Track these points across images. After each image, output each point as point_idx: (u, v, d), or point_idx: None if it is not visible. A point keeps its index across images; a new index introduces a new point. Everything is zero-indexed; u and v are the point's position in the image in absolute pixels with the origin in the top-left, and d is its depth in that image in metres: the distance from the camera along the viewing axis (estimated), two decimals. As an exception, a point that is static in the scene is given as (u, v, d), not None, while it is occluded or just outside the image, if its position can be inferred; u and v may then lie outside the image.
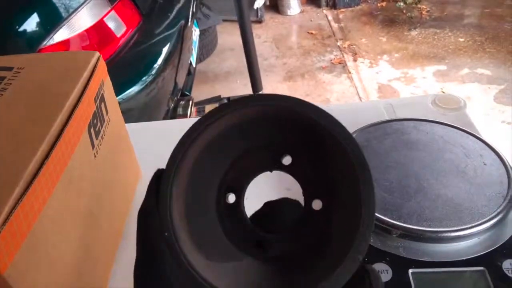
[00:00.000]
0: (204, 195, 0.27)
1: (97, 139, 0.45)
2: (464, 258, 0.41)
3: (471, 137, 0.51)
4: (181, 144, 0.25)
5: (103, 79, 0.47)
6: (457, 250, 0.42)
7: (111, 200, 0.48)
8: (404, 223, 0.43)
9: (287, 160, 0.27)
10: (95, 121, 0.44)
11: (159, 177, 0.25)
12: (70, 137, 0.38)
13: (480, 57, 2.54)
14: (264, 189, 0.33)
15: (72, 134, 0.39)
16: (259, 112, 0.25)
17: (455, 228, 0.41)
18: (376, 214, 0.44)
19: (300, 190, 0.28)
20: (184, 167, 0.25)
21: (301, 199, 0.28)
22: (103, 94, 0.47)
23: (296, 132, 0.26)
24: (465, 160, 0.48)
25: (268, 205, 0.30)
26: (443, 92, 2.28)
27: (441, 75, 2.44)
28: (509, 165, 0.47)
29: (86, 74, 0.44)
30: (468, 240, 0.42)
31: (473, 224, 0.42)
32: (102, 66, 0.48)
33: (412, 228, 0.42)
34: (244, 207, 0.28)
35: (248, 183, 0.28)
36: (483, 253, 0.41)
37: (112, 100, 0.50)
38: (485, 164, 0.47)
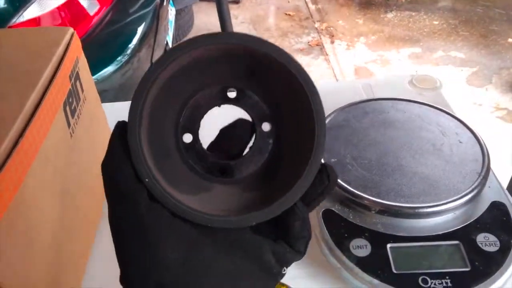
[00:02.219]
0: (164, 139, 0.29)
1: (73, 118, 0.43)
2: (440, 233, 0.42)
3: (447, 115, 0.52)
4: (139, 92, 0.26)
5: (77, 56, 0.46)
6: (433, 225, 0.43)
7: (88, 180, 0.47)
8: (382, 199, 0.43)
9: (232, 93, 0.30)
10: (70, 100, 0.43)
11: (122, 129, 0.26)
12: (44, 115, 0.37)
13: (453, 40, 2.58)
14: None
15: (47, 111, 0.37)
16: (204, 53, 0.28)
17: (431, 204, 0.43)
18: (355, 191, 0.44)
19: None
20: (144, 115, 0.27)
21: None
22: (78, 72, 0.46)
23: (241, 66, 0.29)
24: (442, 138, 0.49)
25: (224, 130, 0.32)
26: (418, 75, 2.31)
27: (416, 58, 2.47)
28: (484, 143, 0.48)
29: (59, 50, 0.42)
30: (444, 215, 0.43)
31: (448, 200, 0.43)
32: (76, 43, 0.46)
33: (390, 205, 0.43)
34: (201, 143, 0.30)
35: (199, 120, 0.30)
36: (458, 227, 0.42)
37: (88, 79, 0.49)
38: (460, 142, 0.48)
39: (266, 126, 0.31)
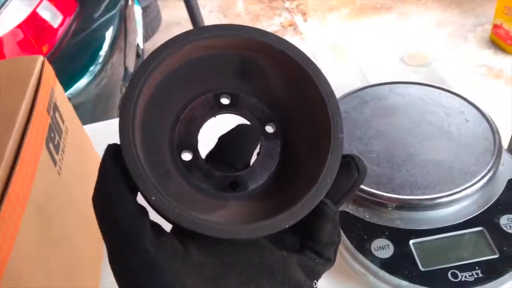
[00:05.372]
0: (161, 161, 0.26)
1: (57, 154, 0.40)
2: (462, 221, 0.40)
3: (448, 94, 0.50)
4: (126, 107, 0.23)
5: (52, 86, 0.42)
6: (454, 213, 0.41)
7: (86, 218, 0.44)
8: (398, 194, 0.41)
9: (225, 100, 0.27)
10: (52, 135, 0.39)
11: (114, 151, 0.23)
12: (28, 160, 0.33)
13: (425, 2, 2.56)
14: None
15: (30, 155, 0.34)
16: (185, 56, 0.25)
17: (450, 192, 0.41)
18: (368, 188, 0.42)
19: None
20: (136, 134, 0.23)
21: None
22: (55, 102, 0.42)
23: (228, 66, 0.27)
24: (447, 119, 0.47)
25: (223, 137, 0.28)
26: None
27: (391, 25, 2.45)
28: (491, 118, 0.46)
29: (32, 83, 0.38)
30: (464, 201, 0.41)
31: (466, 185, 0.41)
32: (49, 71, 0.42)
33: (407, 199, 0.41)
34: (203, 159, 0.27)
35: (196, 135, 0.27)
36: (479, 212, 0.41)
37: (66, 107, 0.45)
38: (467, 121, 0.47)
39: (270, 128, 0.28)
